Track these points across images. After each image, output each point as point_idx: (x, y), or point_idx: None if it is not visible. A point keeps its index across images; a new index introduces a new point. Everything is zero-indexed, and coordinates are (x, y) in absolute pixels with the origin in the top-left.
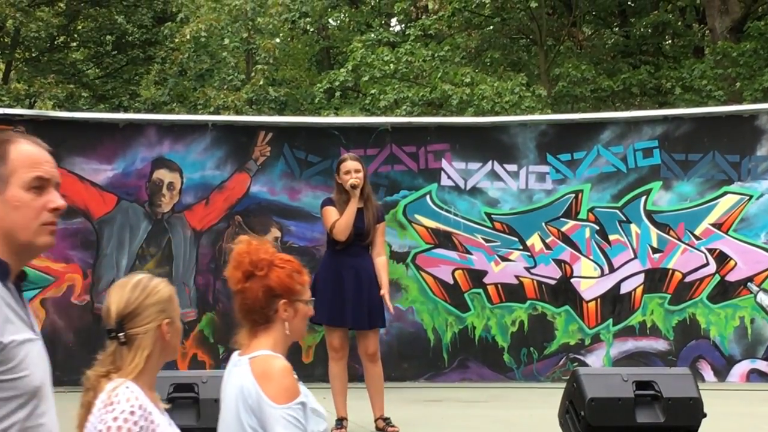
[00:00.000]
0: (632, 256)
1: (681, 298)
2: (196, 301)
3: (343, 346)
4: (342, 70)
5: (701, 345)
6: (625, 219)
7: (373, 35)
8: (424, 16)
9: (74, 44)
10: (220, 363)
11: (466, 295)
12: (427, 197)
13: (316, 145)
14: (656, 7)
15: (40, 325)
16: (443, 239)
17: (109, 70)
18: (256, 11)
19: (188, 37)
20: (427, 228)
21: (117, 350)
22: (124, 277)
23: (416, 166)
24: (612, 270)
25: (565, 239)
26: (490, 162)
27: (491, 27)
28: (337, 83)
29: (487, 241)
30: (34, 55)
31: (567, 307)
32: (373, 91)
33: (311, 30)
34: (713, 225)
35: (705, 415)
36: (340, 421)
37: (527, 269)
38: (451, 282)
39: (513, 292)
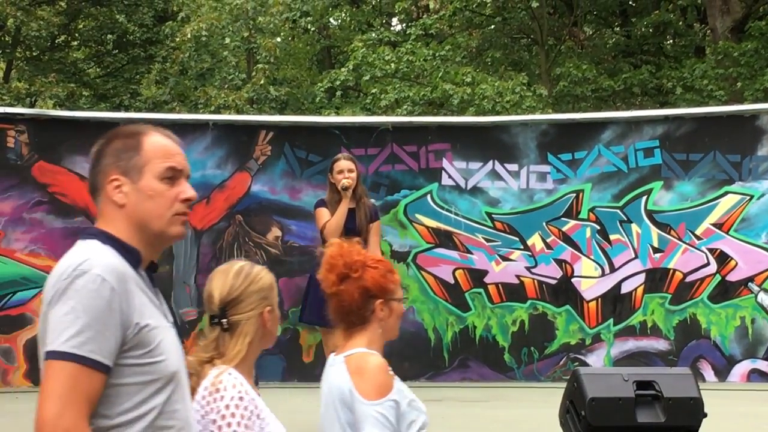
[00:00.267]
0: (633, 255)
1: (682, 298)
2: (197, 300)
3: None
4: (343, 69)
5: (702, 345)
6: (625, 219)
7: (374, 35)
8: (425, 16)
9: (75, 43)
10: None
11: (466, 294)
12: (428, 197)
13: (316, 145)
14: (657, 6)
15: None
16: (444, 239)
17: (110, 69)
18: (257, 10)
19: (189, 36)
20: (427, 227)
21: (220, 336)
22: (224, 264)
23: (417, 166)
24: (613, 270)
25: (566, 239)
26: (490, 161)
27: (492, 26)
28: (338, 82)
29: (487, 240)
30: (34, 54)
31: (568, 306)
32: (374, 91)
33: (312, 29)
34: (714, 225)
35: (705, 415)
36: None
37: (528, 269)
38: (452, 281)
39: (514, 292)
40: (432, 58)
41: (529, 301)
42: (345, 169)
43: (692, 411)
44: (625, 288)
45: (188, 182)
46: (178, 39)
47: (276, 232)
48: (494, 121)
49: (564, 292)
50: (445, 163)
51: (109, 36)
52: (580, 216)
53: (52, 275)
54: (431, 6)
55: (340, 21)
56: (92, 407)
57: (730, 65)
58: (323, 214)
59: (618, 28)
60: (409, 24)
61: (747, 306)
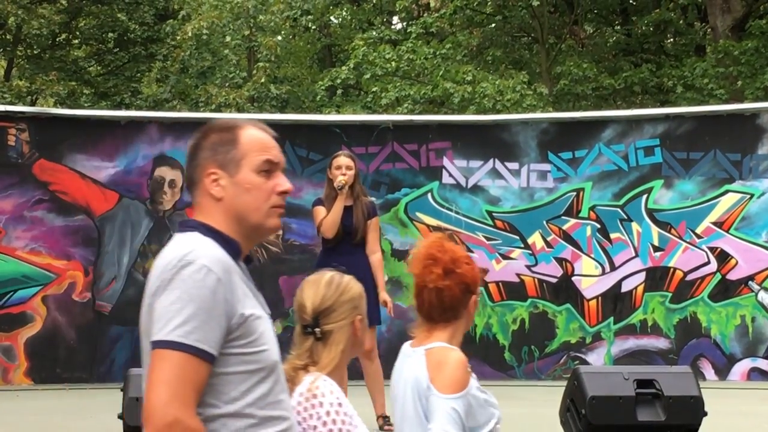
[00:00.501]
0: (633, 254)
1: (682, 297)
2: None
3: None
4: (344, 67)
5: (702, 343)
6: (626, 217)
7: (374, 33)
8: (425, 14)
9: (76, 41)
10: None
11: None
12: (429, 195)
13: (317, 143)
14: (658, 5)
15: (41, 322)
16: None
17: (111, 67)
18: (257, 9)
19: (190, 34)
20: (428, 226)
21: (313, 345)
22: (313, 275)
23: (418, 164)
24: (613, 268)
25: (567, 237)
26: (491, 160)
27: (493, 25)
28: (338, 81)
29: (488, 239)
30: (35, 52)
31: (568, 305)
32: (374, 89)
33: (313, 28)
34: (714, 223)
35: (706, 414)
36: None
37: (528, 267)
38: None
39: (514, 291)
40: (433, 57)
41: (530, 300)
42: (343, 165)
43: (692, 409)
44: (626, 286)
45: (284, 175)
46: (179, 37)
47: None
48: (495, 120)
49: (564, 290)
50: (446, 162)
51: (110, 34)
52: (581, 214)
53: (157, 266)
54: (432, 4)
55: (340, 19)
56: (199, 396)
57: (731, 64)
58: (320, 212)
59: (618, 27)
60: (410, 22)
61: (747, 304)
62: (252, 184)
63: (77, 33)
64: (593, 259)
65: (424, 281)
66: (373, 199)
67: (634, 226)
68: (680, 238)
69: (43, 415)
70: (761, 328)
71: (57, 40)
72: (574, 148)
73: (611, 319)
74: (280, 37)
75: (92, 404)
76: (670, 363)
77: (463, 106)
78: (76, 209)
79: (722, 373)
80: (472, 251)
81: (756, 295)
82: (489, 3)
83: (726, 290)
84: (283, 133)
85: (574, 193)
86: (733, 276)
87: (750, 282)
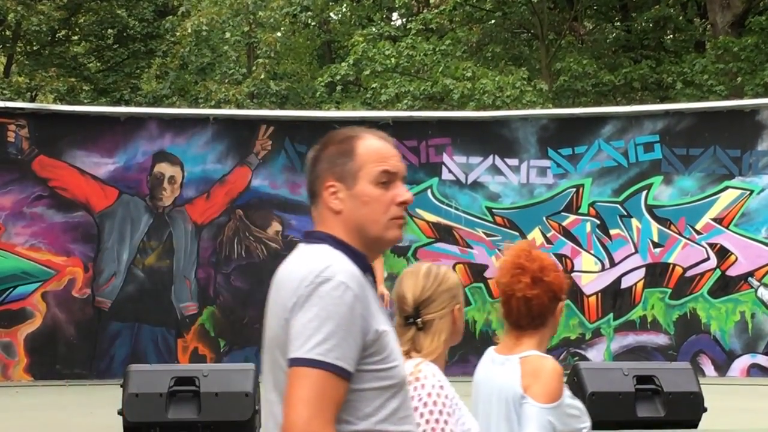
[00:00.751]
0: (633, 250)
1: (682, 293)
2: (197, 294)
3: None
4: (343, 64)
5: (702, 339)
6: (625, 213)
7: (374, 29)
8: (425, 10)
9: (75, 38)
10: (221, 357)
11: (467, 289)
12: (428, 191)
13: (317, 139)
14: (657, 1)
15: (41, 318)
16: (444, 233)
17: (111, 63)
18: (257, 5)
19: (189, 30)
20: (428, 222)
21: (415, 335)
22: (410, 266)
23: (417, 160)
24: (613, 264)
25: (566, 233)
26: (491, 156)
27: (492, 21)
28: (338, 77)
29: (488, 235)
30: (35, 48)
31: (567, 301)
32: (374, 85)
33: (312, 24)
34: (714, 220)
35: (705, 410)
36: None
37: None
38: None
39: None
40: (432, 53)
41: None
42: None
43: (692, 405)
44: (625, 283)
45: (403, 184)
46: (178, 33)
47: (276, 226)
48: (494, 116)
49: None
50: (446, 158)
51: (110, 30)
52: (580, 211)
53: (291, 280)
54: (431, 1)
55: (340, 15)
56: (337, 414)
57: (731, 60)
58: None
59: (618, 23)
60: (410, 18)
61: (747, 301)
62: (370, 196)
63: (77, 29)
64: (593, 255)
65: (512, 290)
66: None
67: (634, 222)
68: (680, 234)
69: (43, 411)
70: (761, 324)
71: (56, 36)
72: (573, 145)
73: (611, 315)
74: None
75: (92, 400)
76: (670, 359)
77: (462, 102)
78: (76, 205)
79: (722, 369)
80: (471, 247)
81: (756, 291)
82: None
83: (726, 286)
84: (283, 129)
85: (574, 190)
86: (732, 272)
87: (749, 278)
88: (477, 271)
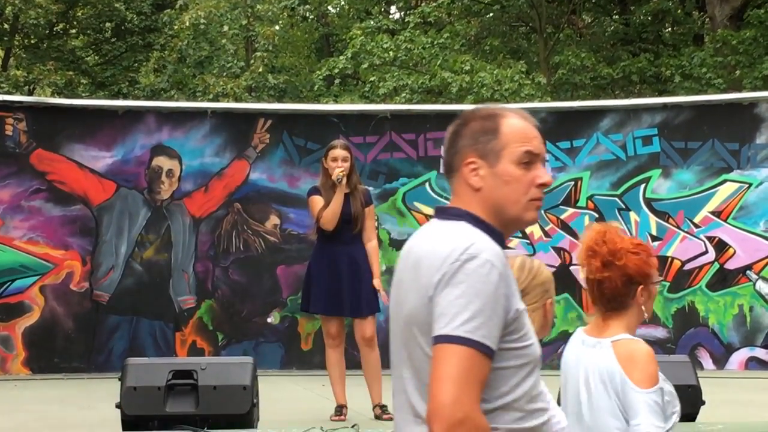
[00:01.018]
0: None
1: (680, 286)
2: (195, 288)
3: (340, 334)
4: (341, 57)
5: (700, 333)
6: (624, 207)
7: (372, 22)
8: (423, 4)
9: (73, 31)
10: (219, 350)
11: None
12: (427, 185)
13: (315, 133)
14: None
15: (39, 312)
16: None
17: (108, 57)
18: None
19: (187, 24)
20: (426, 215)
21: None
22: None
23: (415, 154)
24: None
25: (565, 227)
26: None
27: (491, 14)
28: (336, 70)
29: None
30: (33, 41)
31: (566, 294)
32: (372, 79)
33: (311, 17)
34: (712, 213)
35: (704, 403)
36: (340, 409)
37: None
38: None
39: None
40: (430, 46)
41: None
42: (339, 157)
43: (690, 399)
44: None
45: (544, 166)
46: (176, 27)
47: (274, 220)
48: None
49: (562, 279)
50: (444, 151)
51: (108, 24)
52: (579, 204)
53: (433, 257)
54: None
55: (338, 9)
56: (482, 392)
57: (729, 53)
58: (317, 202)
59: (617, 16)
60: (408, 12)
61: (745, 294)
62: (512, 176)
63: (74, 23)
64: None
65: (587, 272)
66: (367, 187)
67: (632, 215)
68: (678, 227)
69: (41, 404)
70: (759, 318)
71: (54, 29)
72: (572, 138)
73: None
74: (277, 27)
75: (90, 394)
76: (668, 352)
77: (461, 95)
78: (74, 199)
79: (720, 362)
80: None
81: (754, 284)
82: None
83: (724, 279)
84: (281, 122)
85: (572, 183)
86: (731, 265)
87: (748, 271)
88: None
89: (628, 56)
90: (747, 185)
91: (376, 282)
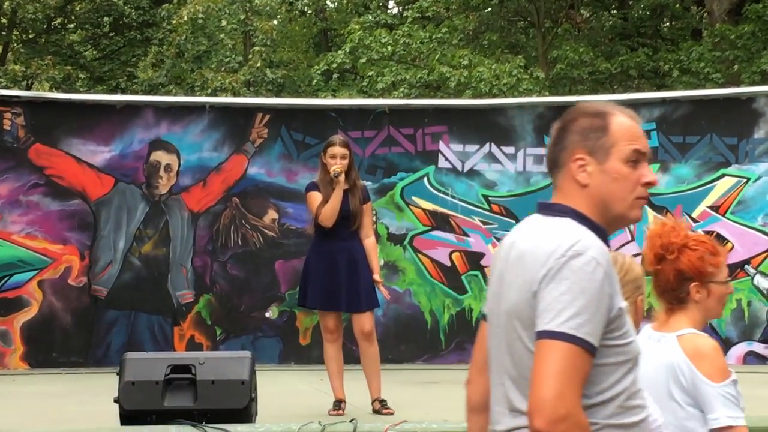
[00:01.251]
0: (629, 238)
1: None
2: (194, 282)
3: (338, 328)
4: (340, 52)
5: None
6: None
7: (370, 17)
8: None
9: (71, 26)
10: (217, 344)
11: (463, 277)
12: (425, 179)
13: (313, 127)
14: None
15: (37, 306)
16: (440, 221)
17: (107, 51)
18: None
19: (186, 18)
20: (424, 210)
21: None
22: None
23: (414, 148)
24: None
25: None
26: (487, 144)
27: (489, 9)
28: (334, 65)
29: (484, 223)
30: (31, 36)
31: None
32: (370, 73)
33: (309, 12)
34: (711, 207)
35: None
36: (338, 403)
37: None
38: (449, 264)
39: None
40: (429, 41)
41: None
42: (338, 155)
43: None
44: None
45: (648, 165)
46: (174, 21)
47: (273, 214)
48: (491, 104)
49: None
50: (442, 146)
51: (106, 18)
52: None
53: (538, 252)
54: None
55: (336, 3)
56: (583, 389)
57: (727, 48)
58: (315, 198)
59: (615, 11)
60: (406, 6)
61: (743, 288)
62: (620, 173)
63: (72, 17)
64: None
65: (645, 264)
66: (366, 183)
67: None
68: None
69: (40, 399)
70: (757, 312)
71: (52, 24)
72: None
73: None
74: (276, 22)
75: (88, 388)
76: None
77: (459, 90)
78: (72, 194)
79: None
80: (468, 235)
81: (752, 279)
82: None
83: None
84: (279, 117)
85: None
86: (729, 260)
87: (746, 266)
88: (473, 259)
89: (627, 51)
90: (745, 180)
91: (377, 276)
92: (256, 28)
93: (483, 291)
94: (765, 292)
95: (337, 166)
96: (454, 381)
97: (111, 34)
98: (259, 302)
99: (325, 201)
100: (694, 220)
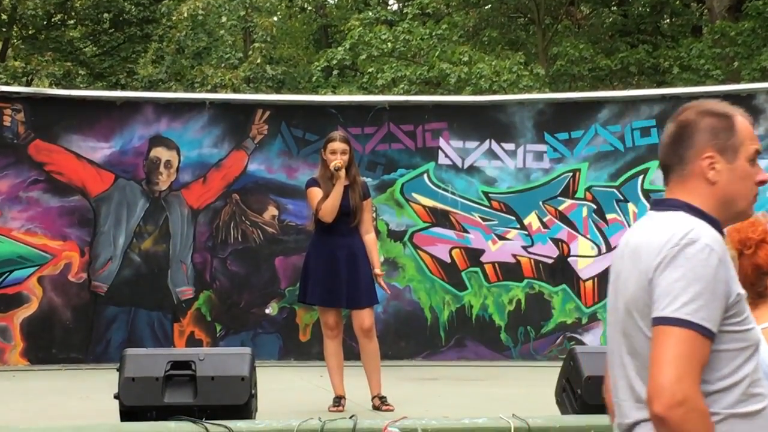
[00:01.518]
0: None
1: None
2: (194, 279)
3: (338, 325)
4: (340, 48)
5: None
6: (622, 198)
7: (370, 13)
8: None
9: (71, 22)
10: (217, 341)
11: (463, 273)
12: (425, 176)
13: (313, 124)
14: None
15: (37, 303)
16: (440, 218)
17: (107, 48)
18: None
19: (185, 15)
20: (424, 207)
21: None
22: None
23: (414, 145)
24: (609, 249)
25: (563, 218)
26: (487, 141)
27: (489, 5)
28: (334, 62)
29: (484, 219)
30: (31, 32)
31: (564, 286)
32: (370, 70)
33: (309, 8)
34: None
35: None
36: (338, 400)
37: (524, 248)
38: (449, 261)
39: (510, 271)
40: (429, 37)
41: (526, 281)
42: (338, 150)
43: None
44: None
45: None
46: (174, 18)
47: (272, 211)
48: (491, 101)
49: (560, 271)
50: (442, 143)
51: (106, 14)
52: (577, 195)
53: (653, 244)
54: None
55: (336, 0)
56: (701, 374)
57: (727, 45)
58: (316, 193)
59: (615, 7)
60: (406, 3)
61: None
62: (746, 172)
63: (72, 13)
64: (589, 239)
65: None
66: (366, 179)
67: (630, 206)
68: None
69: (39, 395)
70: None
71: (52, 20)
72: (570, 129)
73: (607, 299)
74: (276, 18)
75: (88, 384)
76: None
77: (459, 86)
78: (72, 190)
79: None
80: (468, 232)
81: None
82: None
83: None
84: (279, 113)
85: (570, 174)
86: None
87: None
88: (473, 256)
89: (627, 47)
90: None
91: (377, 270)
92: (256, 24)
93: (483, 287)
94: None
95: (337, 160)
96: (454, 377)
97: (111, 31)
98: (259, 299)
99: (326, 197)
100: None
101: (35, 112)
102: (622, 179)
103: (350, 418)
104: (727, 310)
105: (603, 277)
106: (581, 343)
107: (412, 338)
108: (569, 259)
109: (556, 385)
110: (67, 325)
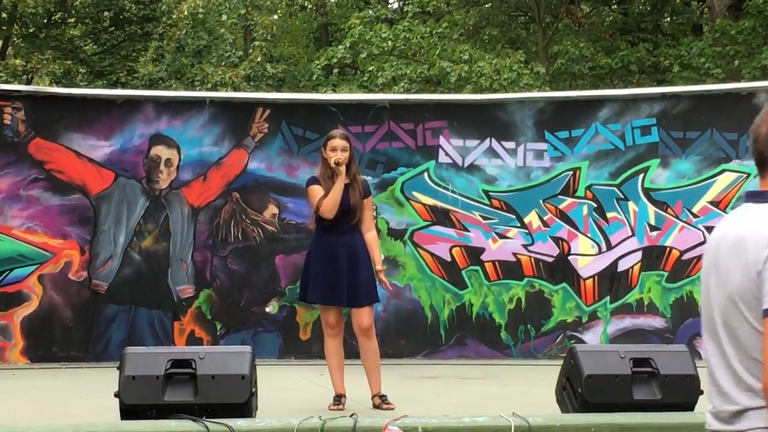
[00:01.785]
0: (630, 233)
1: (678, 276)
2: (194, 277)
3: (338, 323)
4: (340, 47)
5: (698, 323)
6: (622, 197)
7: (371, 12)
8: None
9: (72, 20)
10: (217, 339)
11: (463, 272)
12: (425, 174)
13: (313, 122)
14: None
15: (38, 301)
16: (441, 216)
17: (107, 46)
18: None
19: (186, 13)
20: (424, 205)
21: None
22: None
23: (414, 143)
24: (609, 247)
25: (563, 217)
26: (488, 139)
27: (489, 4)
28: (335, 60)
29: (484, 218)
30: (31, 31)
31: (564, 284)
32: (371, 68)
33: (309, 6)
34: (711, 203)
35: (702, 392)
36: (338, 398)
37: (525, 247)
38: (449, 259)
39: (510, 270)
40: (429, 36)
41: (526, 279)
42: (339, 147)
43: (688, 388)
44: (622, 266)
45: None
46: (174, 16)
47: (273, 209)
48: (491, 99)
49: (561, 269)
50: (442, 141)
51: (106, 13)
52: (577, 194)
53: (761, 235)
54: None
55: None
56: None
57: (728, 43)
58: (316, 191)
59: (615, 6)
60: (406, 1)
61: None
62: None
63: (73, 12)
64: (590, 238)
65: None
66: (366, 178)
67: (631, 205)
68: (676, 217)
69: (40, 393)
70: None
71: (52, 18)
72: (570, 128)
73: (607, 298)
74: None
75: (88, 383)
76: (666, 342)
77: (459, 85)
78: (72, 188)
79: None
80: (468, 230)
81: None
82: None
83: None
84: (279, 112)
85: (571, 173)
86: None
87: None
88: (473, 254)
89: (627, 46)
90: (745, 175)
91: (379, 266)
92: (256, 22)
93: (483, 286)
94: None
95: (337, 157)
96: (455, 376)
97: (111, 29)
98: (260, 297)
99: (326, 194)
100: (695, 216)
101: (35, 110)
102: (622, 178)
103: (350, 416)
104: None
105: (603, 276)
106: (581, 341)
107: (412, 337)
108: (569, 258)
109: (556, 384)
110: (68, 323)
